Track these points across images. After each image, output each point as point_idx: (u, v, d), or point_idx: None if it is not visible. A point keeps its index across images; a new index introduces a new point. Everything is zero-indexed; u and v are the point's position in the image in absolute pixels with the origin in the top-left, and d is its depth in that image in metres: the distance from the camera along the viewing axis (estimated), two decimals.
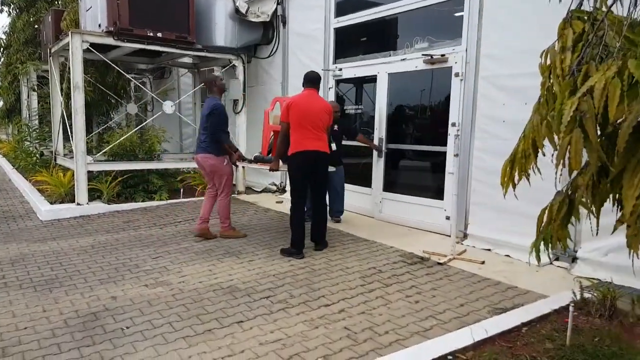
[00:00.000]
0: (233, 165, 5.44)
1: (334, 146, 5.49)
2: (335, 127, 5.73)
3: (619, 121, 1.30)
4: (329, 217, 5.48)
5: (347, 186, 6.23)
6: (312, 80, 4.89)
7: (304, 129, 4.67)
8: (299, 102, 4.75)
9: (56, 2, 12.87)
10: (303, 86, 4.94)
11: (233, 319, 3.31)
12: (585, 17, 1.61)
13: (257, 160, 5.48)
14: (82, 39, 6.65)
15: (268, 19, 7.86)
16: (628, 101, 1.27)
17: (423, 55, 5.41)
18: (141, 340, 3.00)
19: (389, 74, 5.98)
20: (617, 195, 1.47)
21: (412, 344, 2.91)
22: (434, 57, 5.27)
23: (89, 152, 7.23)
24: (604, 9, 1.62)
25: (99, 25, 6.93)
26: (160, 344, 2.96)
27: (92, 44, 6.77)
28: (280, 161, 5.04)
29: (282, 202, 7.48)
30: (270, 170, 5.12)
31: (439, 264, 4.49)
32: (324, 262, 4.56)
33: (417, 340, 2.99)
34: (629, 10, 1.61)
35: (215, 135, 5.15)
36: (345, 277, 4.14)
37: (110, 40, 6.79)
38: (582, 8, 1.66)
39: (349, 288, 3.89)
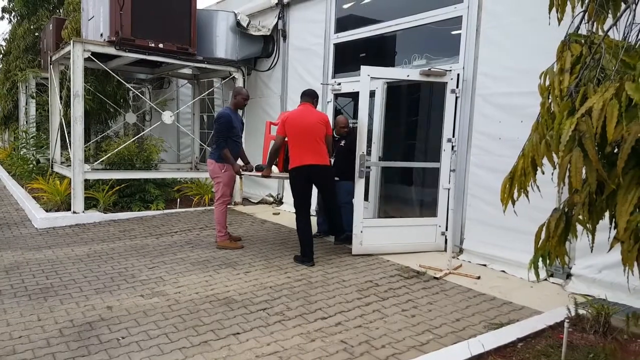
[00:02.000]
0: (237, 175, 5.55)
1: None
2: (342, 142, 5.69)
3: (617, 141, 1.35)
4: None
5: None
6: (308, 94, 5.05)
7: (302, 143, 4.78)
8: (294, 116, 4.87)
9: (58, 11, 12.95)
10: (300, 101, 5.09)
11: (229, 330, 3.30)
12: (583, 41, 1.67)
13: (258, 169, 5.56)
14: (84, 47, 6.70)
15: (269, 33, 7.96)
16: (626, 122, 1.32)
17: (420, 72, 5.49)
18: (137, 350, 2.99)
19: (386, 85, 5.99)
20: (612, 212, 1.50)
21: (408, 358, 2.92)
22: (433, 70, 5.23)
23: (87, 160, 7.22)
24: (600, 33, 1.68)
25: (101, 35, 6.99)
26: (156, 355, 2.94)
27: (93, 53, 6.81)
28: (275, 168, 5.29)
29: (278, 213, 7.49)
30: (262, 176, 5.32)
31: (435, 278, 4.51)
32: (321, 274, 4.57)
33: (414, 354, 2.99)
34: (624, 35, 1.67)
35: (216, 142, 5.39)
36: (342, 290, 4.14)
37: (111, 50, 6.84)
38: (579, 32, 1.72)
39: (345, 301, 3.89)
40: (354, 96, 6.94)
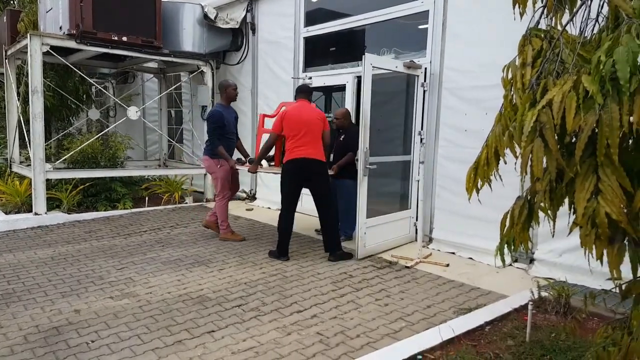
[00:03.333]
0: (233, 169, 5.55)
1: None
2: (342, 137, 5.47)
3: (575, 131, 1.41)
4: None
5: None
6: (304, 91, 5.07)
7: (299, 137, 4.77)
8: (293, 112, 4.88)
9: (12, 2, 12.38)
10: (295, 98, 5.14)
11: (204, 328, 3.28)
12: (543, 35, 1.73)
13: (249, 162, 5.55)
14: (42, 41, 6.44)
15: (237, 26, 7.86)
16: (584, 113, 1.38)
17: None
18: (108, 354, 2.93)
19: (357, 80, 5.99)
20: (571, 199, 1.58)
21: (382, 346, 2.99)
22: (412, 62, 5.23)
23: (48, 159, 6.98)
24: (559, 27, 1.75)
25: (60, 28, 6.74)
26: (129, 357, 2.90)
27: (52, 47, 6.56)
28: (265, 162, 5.28)
29: (252, 209, 7.46)
30: (248, 171, 5.33)
31: (407, 267, 4.61)
32: (296, 268, 4.59)
33: (388, 342, 3.07)
34: (580, 30, 1.74)
35: (210, 139, 5.48)
36: (317, 283, 4.18)
37: (72, 44, 6.62)
38: (539, 26, 1.79)
39: (320, 293, 3.93)
40: (325, 90, 6.96)
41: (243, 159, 5.78)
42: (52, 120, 9.26)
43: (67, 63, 7.49)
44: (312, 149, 4.76)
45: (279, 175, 4.98)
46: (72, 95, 8.94)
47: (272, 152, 5.37)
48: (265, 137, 5.24)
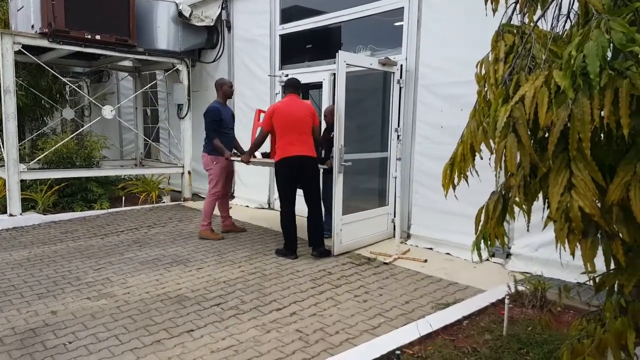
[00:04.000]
0: (228, 161, 5.54)
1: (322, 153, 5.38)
2: (332, 134, 5.07)
3: (547, 126, 1.44)
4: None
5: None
6: (292, 85, 4.98)
7: (289, 134, 4.71)
8: (282, 108, 4.82)
9: None
10: (284, 92, 5.08)
11: (183, 328, 3.25)
12: (515, 31, 1.76)
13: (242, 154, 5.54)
14: (14, 40, 6.28)
15: (212, 23, 7.78)
16: (556, 107, 1.41)
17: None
18: (86, 354, 2.89)
19: (333, 77, 5.92)
20: (545, 193, 1.60)
21: (361, 342, 3.00)
22: (387, 59, 5.20)
23: (22, 159, 6.81)
24: (531, 23, 1.78)
25: (32, 27, 6.57)
26: (107, 357, 2.86)
27: (24, 46, 6.41)
28: (258, 154, 5.31)
29: (230, 207, 7.38)
30: (241, 161, 5.31)
31: (385, 263, 4.64)
32: (275, 266, 4.58)
33: (366, 338, 3.08)
34: (552, 25, 1.78)
35: (207, 135, 5.52)
36: (296, 281, 4.18)
37: (44, 43, 6.47)
38: (512, 22, 1.82)
39: (299, 291, 3.93)
40: (302, 88, 6.92)
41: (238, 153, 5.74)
42: (26, 120, 9.03)
43: (39, 62, 7.31)
44: (303, 145, 4.72)
45: (262, 169, 4.94)
46: (45, 95, 8.73)
47: (269, 149, 5.33)
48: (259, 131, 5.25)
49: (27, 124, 9.23)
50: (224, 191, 5.84)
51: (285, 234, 4.89)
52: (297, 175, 4.78)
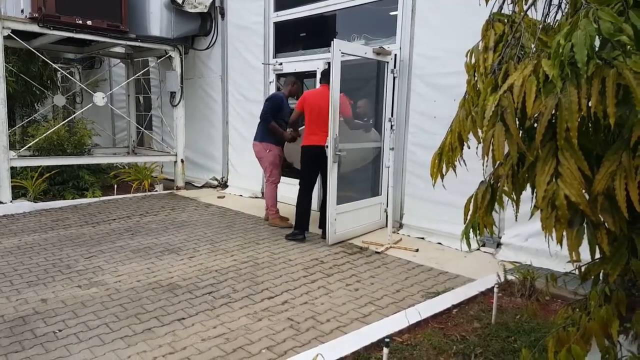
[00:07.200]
0: (292, 140, 5.55)
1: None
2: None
3: (535, 115, 1.44)
4: None
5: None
6: (324, 76, 5.13)
7: (313, 124, 4.97)
8: (313, 97, 5.06)
9: None
10: (320, 82, 5.30)
11: (174, 316, 3.26)
12: (505, 20, 1.75)
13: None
14: (3, 25, 6.18)
15: (206, 10, 7.69)
16: (544, 97, 1.40)
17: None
18: (76, 342, 2.89)
19: (326, 63, 5.87)
20: (533, 182, 1.60)
21: (352, 330, 3.02)
22: (382, 48, 5.17)
23: (12, 146, 6.75)
24: (521, 12, 1.77)
25: (22, 11, 6.47)
26: (97, 345, 2.86)
27: (13, 31, 6.30)
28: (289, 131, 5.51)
29: (223, 197, 7.39)
30: (289, 136, 5.49)
31: (377, 253, 4.66)
32: (268, 255, 4.58)
33: (357, 325, 3.11)
34: (542, 14, 1.77)
35: (263, 118, 5.50)
36: (289, 269, 4.19)
37: (34, 28, 6.37)
38: (502, 11, 1.81)
39: (292, 280, 3.95)
40: (296, 76, 6.86)
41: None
42: (16, 107, 8.94)
43: (29, 48, 7.21)
44: (323, 136, 4.86)
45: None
46: (36, 81, 8.63)
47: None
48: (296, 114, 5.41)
49: (18, 111, 9.14)
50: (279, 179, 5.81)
51: (299, 212, 5.06)
52: (316, 162, 4.99)
